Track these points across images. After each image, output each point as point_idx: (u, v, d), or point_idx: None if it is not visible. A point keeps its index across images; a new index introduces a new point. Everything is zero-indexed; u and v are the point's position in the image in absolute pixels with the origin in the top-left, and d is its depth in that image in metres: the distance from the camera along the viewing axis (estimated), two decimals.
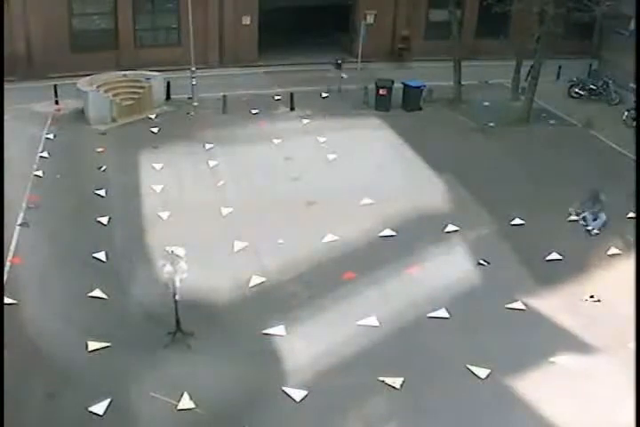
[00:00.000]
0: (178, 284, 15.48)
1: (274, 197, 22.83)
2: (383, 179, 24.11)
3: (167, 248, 15.42)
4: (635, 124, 28.27)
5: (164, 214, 21.63)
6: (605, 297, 18.33)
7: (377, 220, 21.58)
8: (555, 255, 19.96)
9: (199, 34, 32.01)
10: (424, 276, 19.01)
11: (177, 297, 15.79)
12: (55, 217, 21.39)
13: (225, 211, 21.96)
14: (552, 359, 16.12)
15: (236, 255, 19.79)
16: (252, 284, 18.53)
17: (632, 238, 20.32)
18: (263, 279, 18.69)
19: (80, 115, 28.63)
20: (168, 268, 15.30)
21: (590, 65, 34.31)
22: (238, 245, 20.08)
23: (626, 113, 29.27)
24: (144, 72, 30.41)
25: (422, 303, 17.92)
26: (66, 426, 14.35)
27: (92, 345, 16.09)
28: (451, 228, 21.18)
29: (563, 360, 16.09)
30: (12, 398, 14.18)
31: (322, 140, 27.14)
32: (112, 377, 15.32)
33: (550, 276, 19.18)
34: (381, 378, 15.45)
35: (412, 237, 20.69)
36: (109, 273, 18.85)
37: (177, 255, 15.22)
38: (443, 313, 17.57)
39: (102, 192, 22.87)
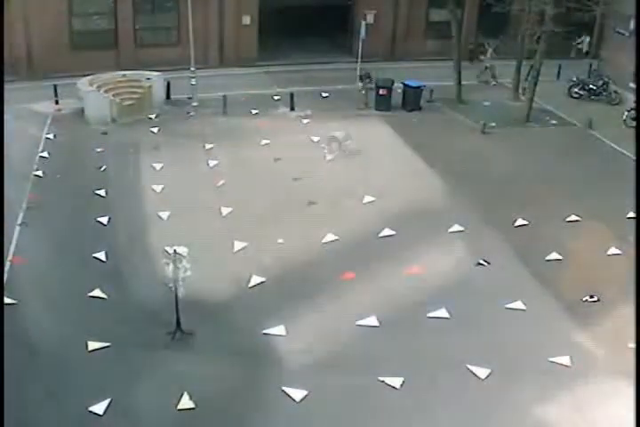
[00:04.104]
0: (181, 282, 15.50)
1: (274, 196, 22.85)
2: (383, 179, 24.11)
3: (169, 247, 15.45)
4: (635, 124, 28.28)
5: (164, 214, 21.64)
6: (605, 297, 18.33)
7: (377, 219, 21.59)
8: (555, 255, 19.97)
9: (199, 34, 32.00)
10: (424, 276, 19.01)
11: (179, 295, 15.81)
12: (55, 217, 21.40)
13: (225, 211, 21.96)
14: (552, 359, 16.11)
15: (236, 255, 19.79)
16: (251, 284, 18.53)
17: (632, 238, 20.31)
18: (263, 279, 18.69)
19: (80, 115, 28.64)
20: (171, 267, 15.31)
21: (590, 65, 34.32)
22: (238, 245, 20.08)
23: (626, 113, 29.28)
24: (144, 72, 30.42)
25: (422, 303, 17.92)
26: (66, 426, 14.36)
27: (92, 345, 16.09)
28: (450, 228, 21.20)
29: (563, 360, 16.09)
30: (12, 398, 14.17)
31: (322, 139, 27.13)
32: (112, 377, 15.32)
33: (550, 276, 19.19)
34: (381, 378, 15.45)
35: (412, 236, 20.70)
36: (109, 273, 18.86)
37: (180, 254, 15.24)
38: (443, 313, 17.57)
39: (102, 192, 22.87)
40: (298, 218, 21.67)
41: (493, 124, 28.94)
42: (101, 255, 19.45)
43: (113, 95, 28.71)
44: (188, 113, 29.78)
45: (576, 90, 32.42)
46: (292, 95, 30.24)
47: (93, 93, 28.33)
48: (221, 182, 23.81)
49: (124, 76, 30.15)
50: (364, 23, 31.77)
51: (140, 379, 15.32)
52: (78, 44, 33.05)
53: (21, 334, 16.21)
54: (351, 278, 18.85)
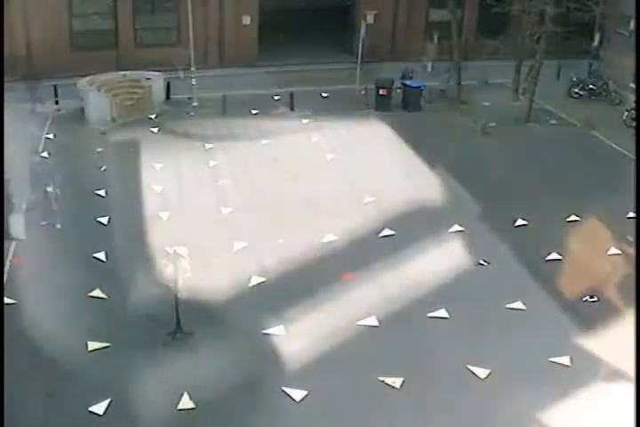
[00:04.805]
0: (180, 283, 15.50)
1: (274, 196, 22.85)
2: (383, 179, 24.12)
3: (169, 247, 15.45)
4: (635, 124, 28.27)
5: (164, 214, 21.63)
6: (605, 297, 18.34)
7: (377, 219, 21.60)
8: (554, 255, 19.97)
9: (199, 34, 31.97)
10: (424, 276, 19.01)
11: (179, 295, 15.81)
12: (55, 217, 21.37)
13: (225, 211, 21.97)
14: (552, 359, 16.12)
15: (236, 255, 19.79)
16: (251, 284, 18.53)
17: (632, 238, 20.31)
18: (263, 279, 18.69)
19: (80, 115, 28.61)
20: (171, 267, 15.31)
21: (590, 65, 34.30)
22: (238, 245, 20.08)
23: (626, 113, 29.26)
24: (144, 72, 30.41)
25: (422, 303, 17.93)
26: (66, 426, 14.36)
27: (92, 345, 16.10)
28: (450, 227, 21.20)
29: (563, 360, 16.09)
30: (12, 398, 14.16)
31: (322, 139, 27.12)
32: (112, 377, 15.32)
33: (550, 276, 19.20)
34: (381, 378, 15.45)
35: (412, 236, 20.70)
36: (109, 273, 18.86)
37: (179, 254, 15.24)
38: (443, 313, 17.57)
39: (102, 192, 22.87)
40: (298, 218, 21.66)
41: (493, 124, 28.91)
42: (101, 255, 19.45)
43: (113, 95, 28.69)
44: (188, 113, 29.75)
45: (576, 90, 32.38)
46: (291, 95, 30.23)
47: (93, 93, 28.32)
48: (221, 182, 23.82)
49: (124, 76, 30.14)
50: (364, 23, 31.75)
51: (140, 379, 15.32)
52: (78, 44, 33.04)
53: (21, 334, 16.22)
54: (351, 278, 18.86)
